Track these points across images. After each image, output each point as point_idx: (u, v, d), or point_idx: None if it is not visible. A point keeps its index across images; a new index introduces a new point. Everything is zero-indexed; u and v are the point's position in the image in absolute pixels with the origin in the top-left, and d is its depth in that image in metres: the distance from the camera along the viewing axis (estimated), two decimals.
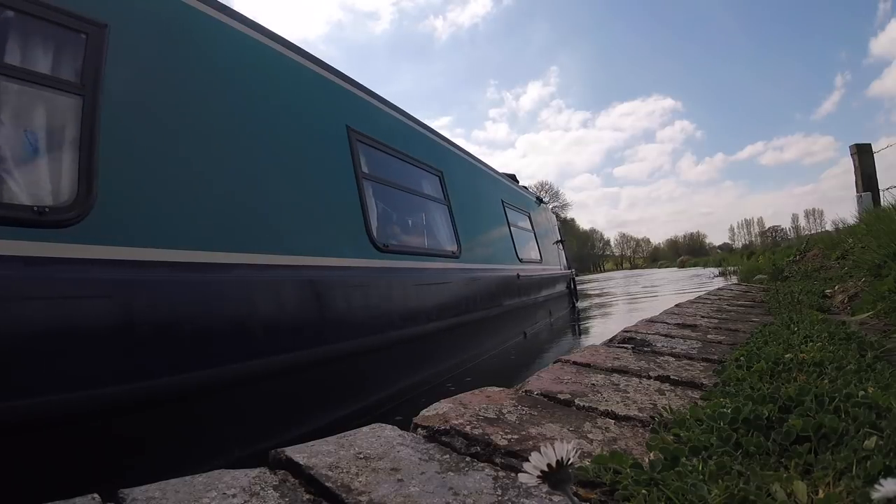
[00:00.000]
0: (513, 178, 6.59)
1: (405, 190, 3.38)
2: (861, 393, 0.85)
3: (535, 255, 6.34)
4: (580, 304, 9.01)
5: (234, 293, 1.78)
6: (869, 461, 0.62)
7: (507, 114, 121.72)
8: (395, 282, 2.78)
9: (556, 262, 7.50)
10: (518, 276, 4.98)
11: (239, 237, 1.89)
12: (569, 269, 8.51)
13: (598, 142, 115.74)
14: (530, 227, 6.51)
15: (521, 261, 5.44)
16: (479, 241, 4.41)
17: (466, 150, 4.77)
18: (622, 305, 8.75)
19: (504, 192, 5.68)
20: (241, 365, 1.72)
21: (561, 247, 8.22)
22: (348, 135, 2.71)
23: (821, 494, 0.58)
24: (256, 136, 2.12)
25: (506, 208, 5.47)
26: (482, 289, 4.03)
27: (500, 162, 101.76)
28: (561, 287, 7.38)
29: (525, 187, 7.20)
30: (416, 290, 2.98)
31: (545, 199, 8.46)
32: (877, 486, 0.39)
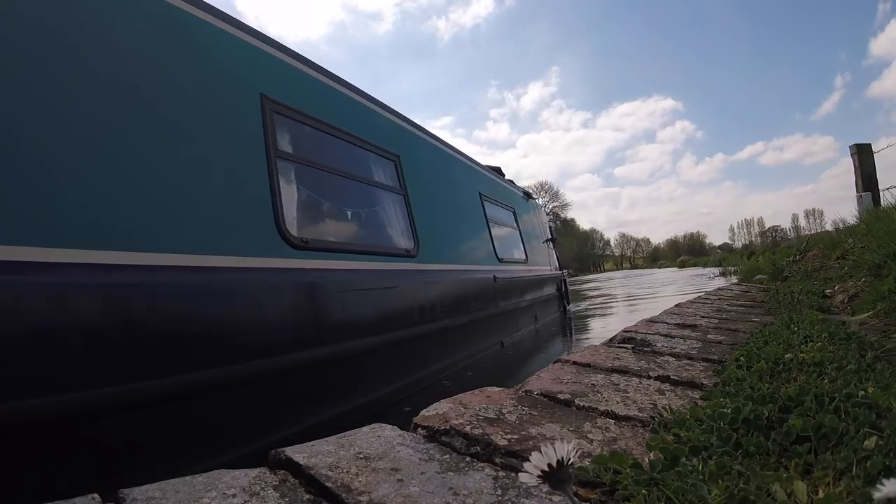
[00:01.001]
0: (497, 170, 6.10)
1: (346, 175, 2.78)
2: (861, 393, 0.85)
3: (519, 254, 5.78)
4: (574, 308, 8.47)
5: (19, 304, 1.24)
6: (869, 461, 0.62)
7: (508, 114, 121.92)
8: (313, 286, 2.20)
9: (545, 263, 6.93)
10: (495, 278, 4.42)
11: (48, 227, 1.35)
12: (560, 269, 7.93)
13: (599, 142, 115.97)
14: (515, 224, 5.93)
15: (500, 261, 4.87)
16: (444, 238, 3.82)
17: (435, 134, 4.15)
18: (620, 308, 8.36)
19: (483, 184, 5.09)
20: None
21: (551, 246, 7.66)
22: (262, 105, 2.18)
23: (821, 494, 0.58)
24: (116, 100, 1.64)
25: (484, 202, 4.89)
26: (446, 293, 3.45)
27: (500, 162, 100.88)
28: (550, 289, 6.79)
29: (511, 181, 6.63)
30: (345, 296, 2.38)
31: (535, 195, 7.82)
32: (878, 486, 0.39)
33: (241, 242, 1.93)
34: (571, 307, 8.30)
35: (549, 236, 7.68)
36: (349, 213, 2.87)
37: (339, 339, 2.28)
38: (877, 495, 0.39)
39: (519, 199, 6.46)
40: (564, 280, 7.79)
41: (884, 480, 0.40)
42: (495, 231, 5.01)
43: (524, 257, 5.88)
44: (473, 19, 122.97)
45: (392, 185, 3.24)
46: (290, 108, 2.37)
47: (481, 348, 4.03)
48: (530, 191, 7.35)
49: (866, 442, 0.68)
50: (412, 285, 3.06)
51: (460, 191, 4.48)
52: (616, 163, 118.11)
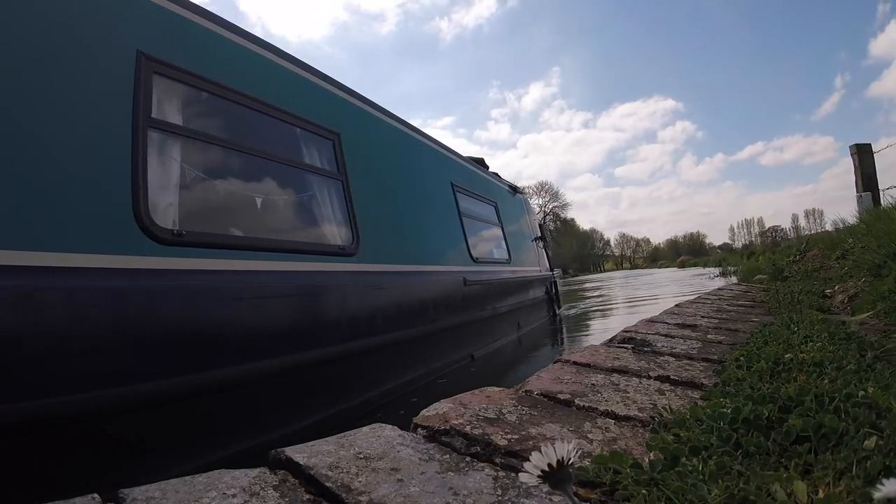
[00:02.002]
0: (479, 162, 5.60)
1: (257, 154, 2.25)
2: (861, 393, 0.85)
3: (500, 253, 5.23)
4: (569, 311, 7.99)
5: None
6: (869, 461, 0.62)
7: (509, 114, 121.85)
8: (186, 293, 1.71)
9: (532, 263, 6.35)
10: (465, 280, 3.83)
11: None
12: (552, 270, 7.33)
13: (600, 142, 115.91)
14: (496, 220, 5.35)
15: (475, 260, 4.28)
16: (397, 234, 3.21)
17: (392, 112, 3.54)
18: (617, 311, 7.81)
19: (456, 173, 4.49)
20: None
21: (541, 244, 7.04)
22: (137, 63, 1.76)
23: (821, 494, 0.58)
24: None
25: (457, 194, 4.31)
26: (396, 300, 2.93)
27: (501, 162, 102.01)
28: (537, 292, 6.20)
29: (496, 174, 6.09)
30: (239, 305, 1.87)
31: (523, 189, 7.16)
32: (878, 486, 0.39)
33: (71, 234, 1.44)
34: (565, 310, 7.87)
35: (539, 234, 7.15)
36: (258, 201, 2.27)
37: (227, 362, 1.76)
38: (877, 495, 0.39)
39: (503, 194, 5.90)
40: (555, 282, 7.18)
41: (884, 480, 0.40)
42: (470, 227, 4.43)
43: (506, 257, 5.33)
44: (476, 20, 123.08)
45: (326, 169, 2.66)
46: (180, 70, 1.92)
47: (445, 364, 3.39)
48: (518, 185, 6.80)
49: (866, 442, 0.68)
50: (347, 290, 2.49)
51: (425, 179, 3.86)
52: (617, 163, 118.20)
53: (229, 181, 2.15)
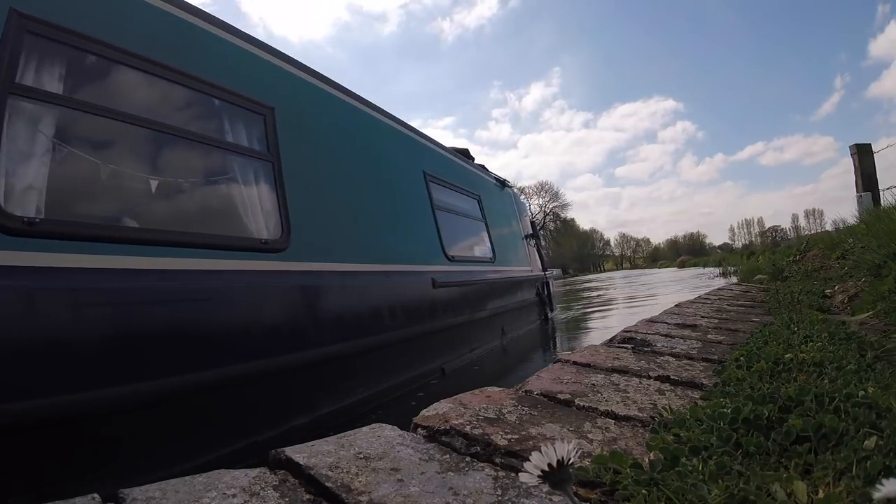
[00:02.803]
0: (464, 153, 5.16)
1: (161, 130, 1.89)
2: (861, 393, 0.85)
3: (483, 251, 4.75)
4: (561, 315, 7.45)
5: None
6: (869, 461, 0.62)
7: (510, 114, 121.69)
8: (34, 295, 1.37)
9: (522, 262, 5.86)
10: (434, 281, 3.32)
11: None
12: (545, 270, 6.79)
13: (600, 142, 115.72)
14: (480, 215, 4.88)
15: (450, 259, 3.80)
16: (346, 227, 2.73)
17: (349, 89, 3.12)
18: (615, 314, 7.35)
19: (430, 162, 4.01)
20: None
21: (533, 243, 6.57)
22: (8, 22, 1.50)
23: (821, 494, 0.58)
24: None
25: (430, 185, 3.84)
26: (339, 305, 2.50)
27: (502, 162, 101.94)
28: (526, 294, 5.65)
29: (482, 166, 5.65)
30: (113, 312, 1.53)
31: (511, 183, 6.53)
32: (878, 486, 0.39)
33: None
34: (560, 313, 7.50)
35: (531, 231, 6.71)
36: (153, 186, 1.91)
37: (83, 390, 1.41)
38: (877, 495, 0.39)
39: (489, 187, 5.43)
40: (547, 283, 6.67)
41: (884, 480, 0.40)
42: (446, 222, 3.94)
43: (490, 255, 4.84)
44: (477, 20, 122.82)
45: (251, 149, 2.25)
46: (64, 30, 1.63)
47: (406, 380, 2.92)
48: (508, 179, 6.30)
49: (866, 442, 0.68)
50: (266, 293, 2.09)
51: (388, 166, 3.38)
52: (617, 163, 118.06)
53: (116, 161, 1.79)
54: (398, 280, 3.07)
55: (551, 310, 6.63)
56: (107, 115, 1.73)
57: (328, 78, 2.93)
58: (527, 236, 6.40)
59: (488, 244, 4.90)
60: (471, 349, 3.91)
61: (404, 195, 3.53)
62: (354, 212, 2.86)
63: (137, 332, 1.58)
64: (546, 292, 6.46)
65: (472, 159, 5.40)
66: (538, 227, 7.58)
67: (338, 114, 2.98)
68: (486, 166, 5.91)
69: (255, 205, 2.24)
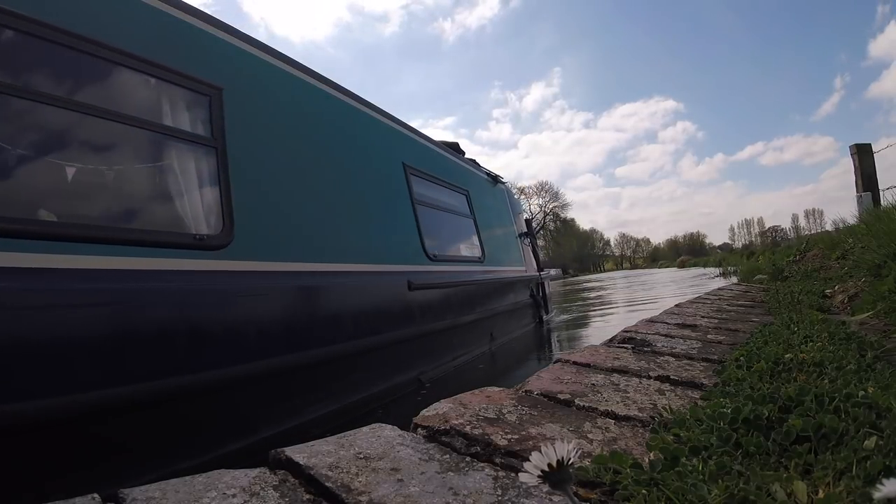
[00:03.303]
0: (453, 146, 4.90)
1: (82, 110, 1.66)
2: (861, 393, 0.85)
3: (470, 250, 4.47)
4: (559, 317, 7.19)
5: None
6: (869, 461, 0.62)
7: (510, 114, 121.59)
8: None
9: (515, 262, 5.57)
10: (410, 284, 3.03)
11: None
12: (540, 270, 6.50)
13: (601, 142, 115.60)
14: (468, 212, 4.60)
15: (432, 258, 3.51)
16: (305, 223, 2.45)
17: (317, 72, 2.85)
18: (615, 314, 7.07)
19: (411, 153, 3.73)
20: None
21: (526, 241, 6.26)
22: None
23: (821, 494, 0.58)
24: None
25: (411, 178, 3.56)
26: (292, 310, 2.23)
27: (502, 162, 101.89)
28: (519, 296, 5.35)
29: (473, 161, 5.38)
30: None
31: (504, 179, 6.20)
32: (878, 486, 0.39)
33: None
34: (558, 315, 7.24)
35: (525, 230, 6.42)
36: (69, 173, 1.72)
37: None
38: (877, 495, 0.39)
39: (478, 182, 5.14)
40: (542, 283, 6.37)
41: (884, 480, 0.40)
42: (428, 218, 3.67)
43: (479, 254, 4.56)
44: (479, 20, 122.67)
45: (193, 133, 2.00)
46: None
47: (375, 394, 2.63)
48: (500, 175, 5.99)
49: (866, 442, 0.68)
50: (202, 297, 1.82)
51: (360, 156, 3.09)
52: (617, 163, 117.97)
53: (24, 145, 1.58)
54: (365, 281, 2.76)
55: (546, 312, 6.35)
56: (15, 93, 1.49)
57: (288, 57, 2.64)
58: (521, 235, 6.12)
59: (477, 243, 4.62)
60: (454, 357, 3.57)
61: (378, 188, 3.19)
62: (316, 205, 2.56)
63: (23, 342, 1.30)
64: (541, 294, 6.16)
65: (463, 153, 5.16)
66: (538, 227, 7.45)
67: (300, 97, 2.69)
68: (481, 163, 5.73)
69: (191, 196, 1.96)
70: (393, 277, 3.00)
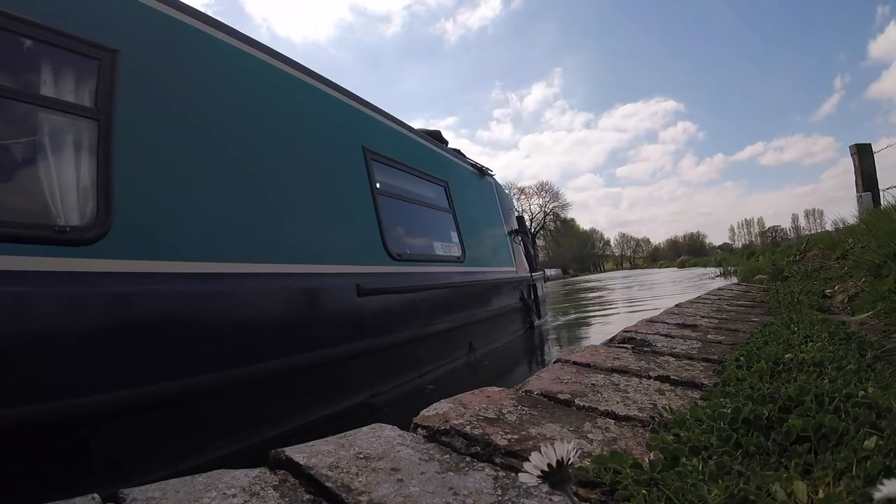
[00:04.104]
0: (434, 134, 4.49)
1: None
2: (861, 393, 0.85)
3: (447, 248, 3.96)
4: (555, 320, 6.71)
5: None
6: (869, 461, 0.62)
7: (511, 114, 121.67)
8: None
9: (503, 262, 5.09)
10: (359, 288, 2.56)
11: None
12: (532, 270, 6.03)
13: (601, 142, 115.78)
14: (447, 205, 4.16)
15: (395, 257, 3.04)
16: (211, 211, 2.02)
17: (242, 33, 2.42)
18: (616, 317, 6.64)
19: (374, 136, 3.26)
20: None
21: (518, 239, 5.79)
22: None
23: (821, 494, 0.58)
24: None
25: (372, 164, 3.09)
26: (174, 324, 1.73)
27: (503, 162, 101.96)
28: (506, 299, 4.85)
29: (458, 151, 4.94)
30: None
31: (493, 171, 5.70)
32: (878, 486, 0.39)
33: None
34: (553, 317, 6.85)
35: (517, 227, 5.95)
36: None
37: None
38: (877, 495, 0.39)
39: (461, 173, 4.68)
40: (534, 285, 5.86)
41: (884, 480, 0.40)
42: (393, 211, 3.25)
43: (458, 253, 4.10)
44: (480, 21, 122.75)
45: (71, 104, 1.67)
46: None
47: (313, 422, 2.20)
48: (487, 168, 5.51)
49: (866, 442, 0.68)
50: (60, 304, 1.44)
51: (301, 136, 2.62)
52: (618, 163, 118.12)
53: None
54: (293, 286, 2.25)
55: (539, 316, 5.83)
56: None
57: (207, 15, 2.25)
58: (511, 232, 5.64)
59: (456, 240, 4.15)
60: (420, 373, 3.07)
61: (324, 174, 2.73)
62: (229, 192, 2.11)
63: None
64: (532, 296, 5.70)
65: (446, 143, 4.72)
66: (538, 227, 7.10)
67: (220, 63, 2.25)
68: (481, 163, 5.43)
69: (60, 179, 1.60)
70: (335, 281, 2.49)
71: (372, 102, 3.40)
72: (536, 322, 5.68)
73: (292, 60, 2.72)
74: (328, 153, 2.82)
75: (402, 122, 3.81)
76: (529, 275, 5.83)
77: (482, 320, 4.21)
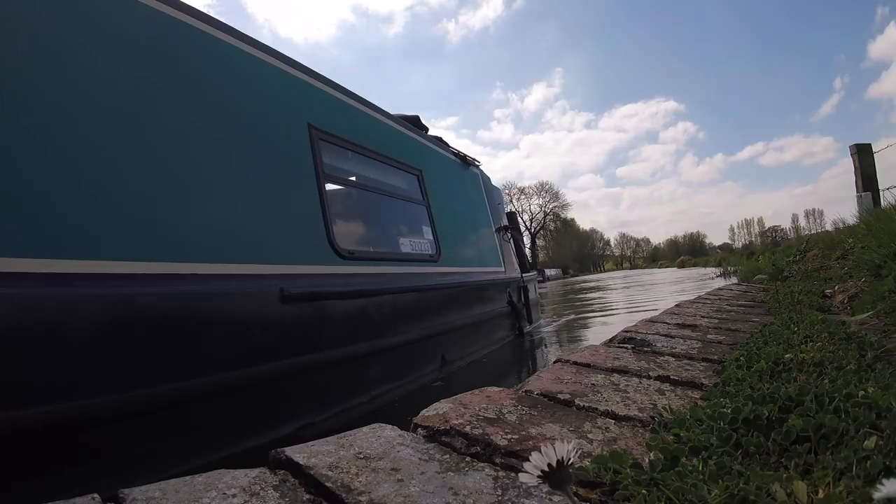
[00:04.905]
0: (412, 120, 3.98)
1: None
2: (861, 393, 0.85)
3: (417, 245, 3.47)
4: (549, 325, 6.21)
5: None
6: (869, 461, 0.62)
7: (512, 114, 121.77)
8: None
9: (488, 261, 4.60)
10: (283, 293, 2.03)
11: None
12: (523, 270, 5.48)
13: (602, 142, 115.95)
14: (420, 197, 3.66)
15: (344, 255, 2.53)
16: (91, 198, 1.54)
17: None
18: (616, 319, 6.25)
19: (323, 113, 2.77)
20: None
21: (508, 237, 5.30)
22: None
23: (821, 494, 0.58)
24: None
25: (319, 145, 2.61)
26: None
27: (503, 162, 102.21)
28: (490, 304, 4.36)
29: (440, 139, 4.49)
30: None
31: (479, 162, 5.15)
32: (878, 486, 0.39)
33: None
34: (547, 321, 6.40)
35: (504, 223, 5.34)
36: None
37: None
38: (877, 495, 0.39)
39: (438, 161, 4.16)
40: (524, 287, 5.31)
41: (884, 480, 0.40)
42: (344, 200, 2.93)
43: (431, 251, 3.58)
44: (482, 21, 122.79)
45: None
46: None
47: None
48: (473, 158, 4.98)
49: (866, 442, 0.68)
50: None
51: (217, 107, 2.12)
52: (618, 163, 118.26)
53: None
54: (178, 289, 1.70)
55: (529, 322, 5.30)
56: None
57: None
58: (500, 229, 5.10)
59: (430, 236, 3.62)
60: (371, 396, 2.54)
61: (248, 152, 2.20)
62: (100, 171, 1.60)
63: None
64: (522, 299, 5.14)
65: (425, 129, 4.21)
66: (538, 227, 6.72)
67: (122, 22, 1.80)
68: (482, 164, 5.09)
69: None
70: (247, 284, 1.96)
71: (330, 79, 2.88)
72: (527, 328, 5.16)
73: (232, 28, 2.26)
74: (254, 128, 2.28)
75: (367, 101, 3.24)
76: (520, 276, 5.30)
77: (459, 328, 3.63)
